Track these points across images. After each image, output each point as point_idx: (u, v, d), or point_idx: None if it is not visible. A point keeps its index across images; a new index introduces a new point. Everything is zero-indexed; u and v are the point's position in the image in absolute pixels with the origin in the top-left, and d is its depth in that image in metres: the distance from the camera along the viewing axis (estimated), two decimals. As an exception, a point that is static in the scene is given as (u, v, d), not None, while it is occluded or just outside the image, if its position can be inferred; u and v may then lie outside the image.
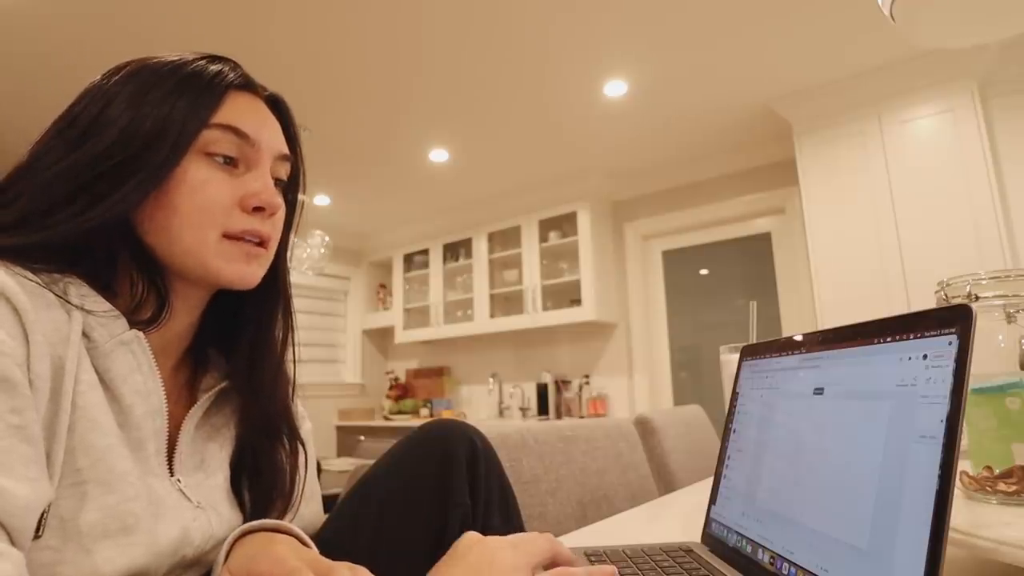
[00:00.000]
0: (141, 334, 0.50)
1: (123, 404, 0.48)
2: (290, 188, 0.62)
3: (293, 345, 0.64)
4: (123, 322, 0.49)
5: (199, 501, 0.53)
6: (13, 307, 0.41)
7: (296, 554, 0.45)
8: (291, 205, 0.63)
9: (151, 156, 0.49)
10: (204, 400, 0.56)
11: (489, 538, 0.45)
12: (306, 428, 0.66)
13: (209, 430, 0.58)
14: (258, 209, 0.54)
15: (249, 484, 0.59)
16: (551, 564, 0.46)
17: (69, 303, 0.45)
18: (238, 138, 0.54)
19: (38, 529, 0.40)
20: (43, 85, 2.48)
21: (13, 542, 0.37)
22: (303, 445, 0.65)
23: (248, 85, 0.57)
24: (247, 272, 0.54)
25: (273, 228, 0.56)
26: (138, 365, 0.49)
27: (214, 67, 0.55)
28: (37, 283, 0.44)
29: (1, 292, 0.40)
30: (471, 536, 0.46)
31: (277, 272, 0.62)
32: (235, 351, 0.61)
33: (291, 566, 0.41)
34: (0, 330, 0.39)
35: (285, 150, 0.59)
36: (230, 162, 0.54)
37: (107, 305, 0.48)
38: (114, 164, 0.48)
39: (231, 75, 0.55)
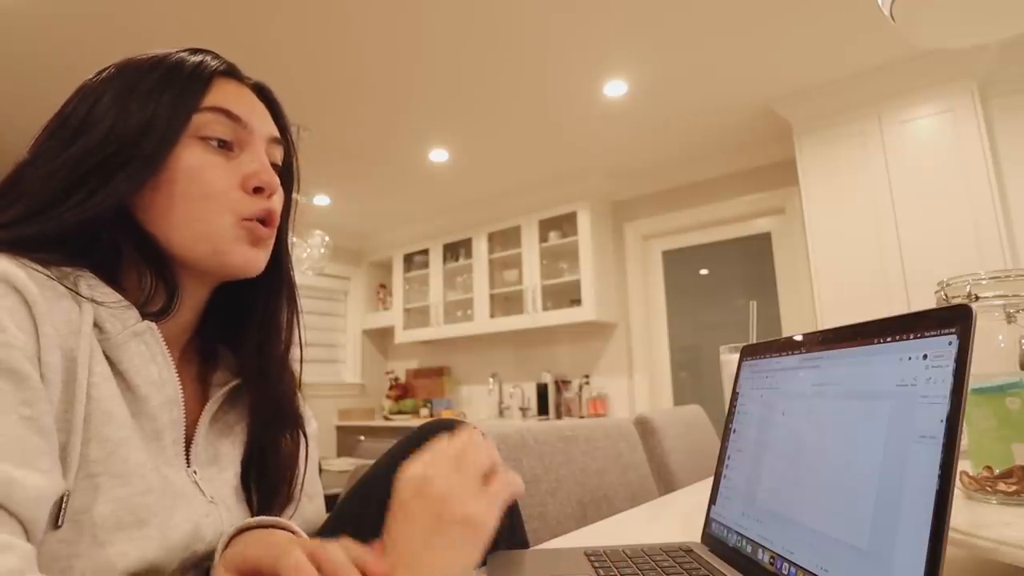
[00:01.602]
0: (154, 325, 0.50)
1: (138, 395, 0.48)
2: (285, 180, 0.62)
3: (300, 335, 0.64)
4: (135, 313, 0.49)
5: (212, 495, 0.53)
6: (23, 299, 0.41)
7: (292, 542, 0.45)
8: (287, 200, 0.63)
9: (141, 149, 0.49)
10: (219, 395, 0.57)
11: (423, 470, 0.43)
12: (312, 428, 0.67)
13: (222, 426, 0.58)
14: (258, 190, 0.54)
15: (256, 482, 0.60)
16: (491, 471, 0.45)
17: (79, 295, 0.46)
18: (230, 120, 0.54)
19: (58, 520, 0.40)
20: (43, 85, 2.48)
21: (26, 532, 0.37)
22: (305, 436, 0.65)
23: (232, 72, 0.58)
24: (253, 256, 0.54)
25: (275, 208, 0.57)
26: (152, 356, 0.49)
27: (196, 57, 0.55)
28: (47, 275, 0.45)
29: (11, 284, 0.40)
30: (411, 480, 0.43)
31: (280, 259, 0.62)
32: (243, 341, 0.61)
33: (283, 548, 0.41)
34: (10, 323, 0.39)
35: (276, 133, 0.59)
36: (224, 145, 0.54)
37: (117, 296, 0.48)
38: (104, 158, 0.49)
39: (214, 63, 0.56)
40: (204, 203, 0.51)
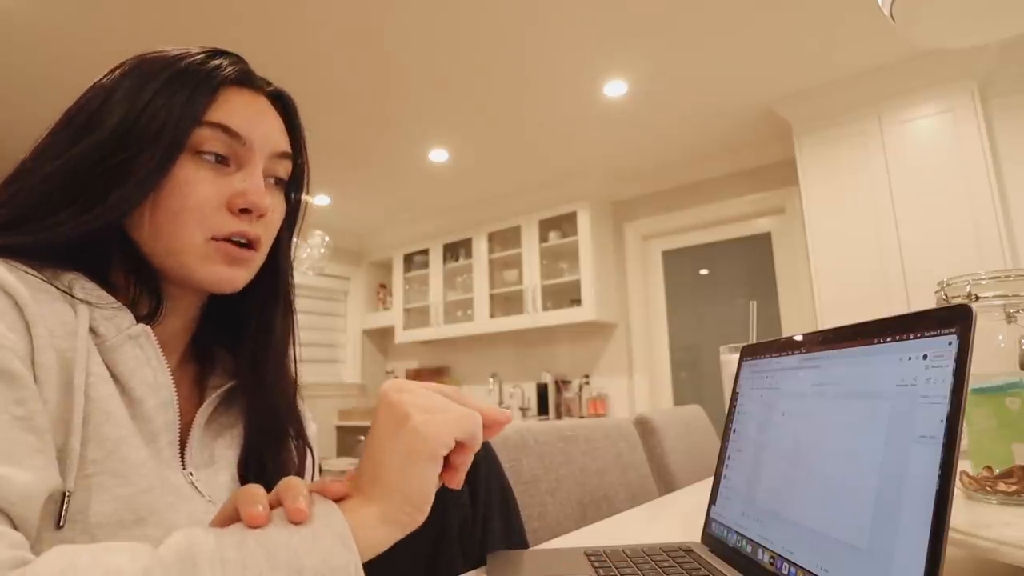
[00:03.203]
0: (148, 328, 0.49)
1: (133, 397, 0.48)
2: (292, 187, 0.61)
3: (295, 345, 0.63)
4: (129, 316, 0.49)
5: (210, 496, 0.53)
6: (14, 302, 0.41)
7: None
8: (294, 204, 0.62)
9: (147, 156, 0.48)
10: (214, 397, 0.56)
11: (393, 383, 0.44)
12: (311, 430, 0.66)
13: (217, 428, 0.58)
14: (245, 211, 0.53)
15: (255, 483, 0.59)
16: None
17: (74, 298, 0.45)
18: (228, 136, 0.52)
19: (60, 521, 0.40)
20: (42, 86, 2.48)
21: (16, 529, 0.36)
22: (306, 441, 0.64)
23: (246, 80, 0.56)
24: (227, 276, 0.53)
25: (263, 229, 0.55)
26: (147, 359, 0.49)
27: (213, 62, 0.53)
28: (40, 278, 0.44)
29: (1, 287, 0.40)
30: (382, 389, 0.44)
31: (277, 273, 0.61)
32: (239, 350, 0.60)
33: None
34: (1, 324, 0.39)
35: (283, 148, 0.57)
36: (221, 160, 0.52)
37: (111, 299, 0.48)
38: (111, 165, 0.48)
39: (228, 70, 0.54)
40: (178, 216, 0.50)
